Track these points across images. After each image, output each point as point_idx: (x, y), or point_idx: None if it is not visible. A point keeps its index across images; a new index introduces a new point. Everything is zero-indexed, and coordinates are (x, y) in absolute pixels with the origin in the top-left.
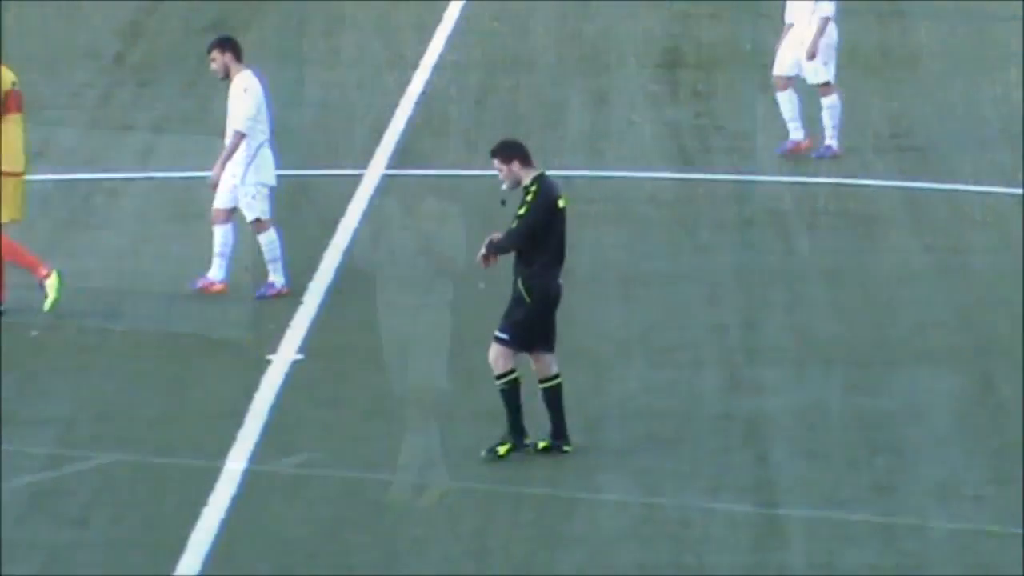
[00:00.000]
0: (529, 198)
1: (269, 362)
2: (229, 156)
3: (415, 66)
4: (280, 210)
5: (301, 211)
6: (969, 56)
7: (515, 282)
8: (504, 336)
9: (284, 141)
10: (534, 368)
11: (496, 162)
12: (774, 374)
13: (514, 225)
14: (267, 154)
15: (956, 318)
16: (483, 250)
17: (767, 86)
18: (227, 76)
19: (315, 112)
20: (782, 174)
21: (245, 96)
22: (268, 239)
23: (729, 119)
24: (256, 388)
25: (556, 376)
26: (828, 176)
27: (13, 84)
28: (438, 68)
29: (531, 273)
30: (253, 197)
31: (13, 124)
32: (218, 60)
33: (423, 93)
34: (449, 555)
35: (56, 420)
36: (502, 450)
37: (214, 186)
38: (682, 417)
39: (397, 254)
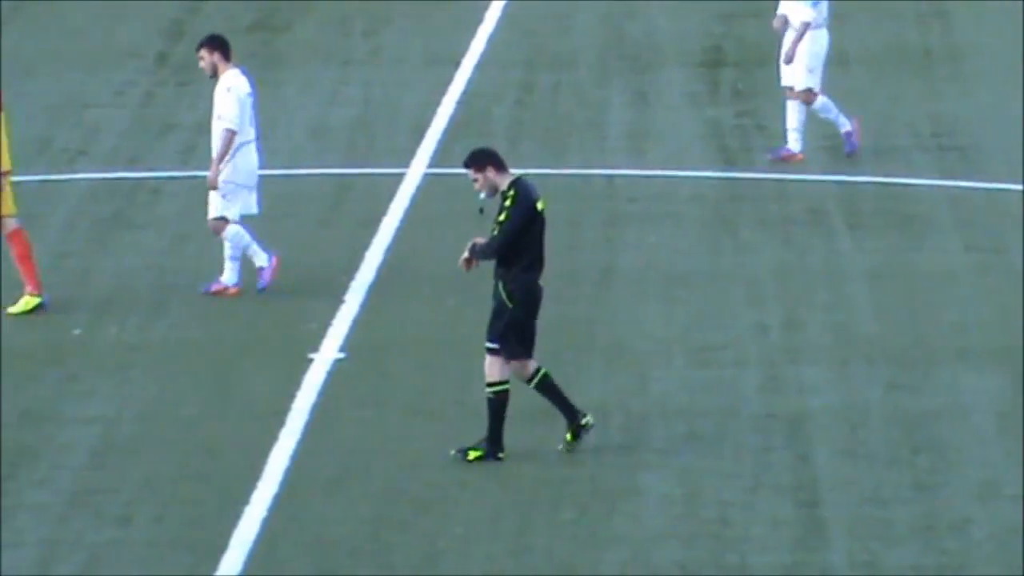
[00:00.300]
0: (507, 203)
1: (311, 361)
2: (222, 156)
3: (457, 65)
4: (322, 209)
5: (343, 210)
6: (1011, 55)
7: (495, 286)
8: (494, 346)
9: (326, 140)
10: (516, 374)
11: (470, 172)
12: (816, 373)
13: (495, 232)
14: (248, 154)
15: (998, 317)
16: (466, 253)
17: None
18: (215, 75)
19: (357, 111)
20: (823, 173)
21: (228, 95)
22: (231, 234)
23: (771, 118)
24: (298, 387)
25: (538, 369)
26: (870, 175)
27: None
28: (480, 67)
29: (511, 276)
30: (224, 196)
31: None
32: (206, 59)
33: (465, 92)
34: (490, 554)
35: (99, 419)
36: (472, 455)
37: (213, 186)
38: (723, 416)
39: (439, 253)
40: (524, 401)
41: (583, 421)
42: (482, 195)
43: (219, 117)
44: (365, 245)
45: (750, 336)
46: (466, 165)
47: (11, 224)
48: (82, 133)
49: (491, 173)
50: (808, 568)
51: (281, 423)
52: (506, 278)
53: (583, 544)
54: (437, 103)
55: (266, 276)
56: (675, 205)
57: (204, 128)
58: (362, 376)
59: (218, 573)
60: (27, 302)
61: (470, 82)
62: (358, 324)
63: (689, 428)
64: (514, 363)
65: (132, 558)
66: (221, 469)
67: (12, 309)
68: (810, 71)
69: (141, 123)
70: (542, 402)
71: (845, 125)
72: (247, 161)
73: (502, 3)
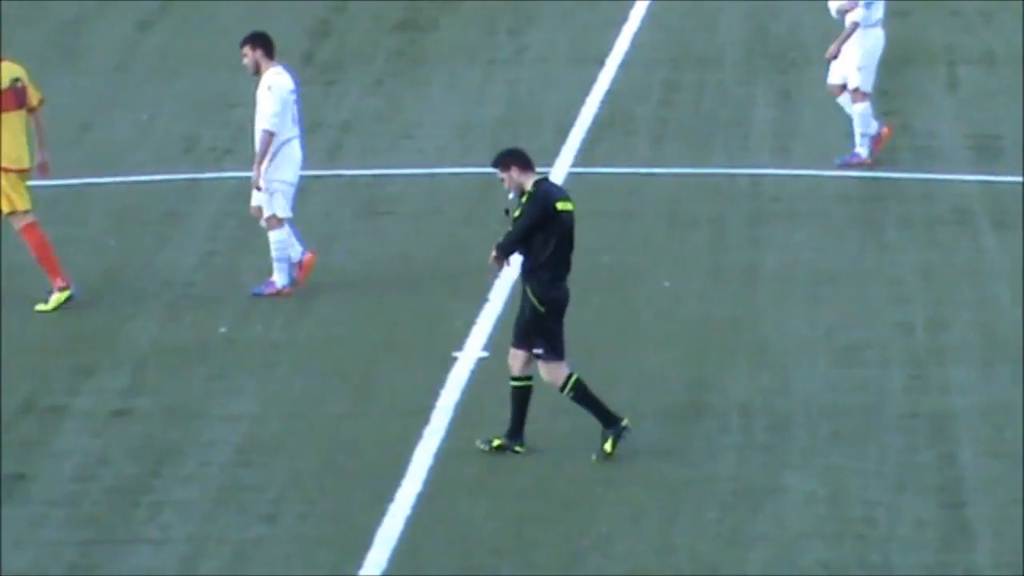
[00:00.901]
0: (524, 201)
1: (455, 359)
2: (263, 157)
3: (601, 63)
4: (466, 207)
5: (487, 208)
6: None
7: (523, 290)
8: (540, 352)
9: (470, 138)
10: (511, 363)
11: (497, 172)
12: (961, 373)
13: (510, 229)
14: (292, 152)
15: None
16: (494, 252)
17: (955, 84)
18: (258, 72)
19: (501, 109)
20: (968, 173)
21: (269, 94)
22: (278, 237)
23: (916, 117)
24: (442, 385)
25: (530, 378)
26: (1015, 175)
27: (15, 81)
28: (624, 65)
29: (537, 280)
30: (272, 194)
31: (11, 121)
32: (249, 56)
33: (609, 91)
34: (634, 552)
35: (245, 416)
36: (607, 447)
37: (258, 187)
38: (868, 415)
39: (581, 252)
40: (666, 400)
41: (516, 448)
42: (511, 195)
43: (260, 116)
44: None
45: (895, 336)
46: (493, 165)
47: (27, 219)
48: (228, 132)
49: (515, 173)
50: (953, 568)
51: (425, 421)
52: (531, 281)
53: (727, 543)
54: (581, 102)
55: (266, 290)
56: (820, 204)
57: (350, 126)
58: (506, 375)
59: (362, 571)
60: (57, 297)
61: (614, 81)
62: (502, 323)
63: (833, 428)
64: (521, 353)
65: (277, 555)
66: (366, 467)
67: (43, 307)
68: (859, 69)
69: None
70: (690, 400)
71: (862, 147)
72: (293, 158)
73: (647, 2)
